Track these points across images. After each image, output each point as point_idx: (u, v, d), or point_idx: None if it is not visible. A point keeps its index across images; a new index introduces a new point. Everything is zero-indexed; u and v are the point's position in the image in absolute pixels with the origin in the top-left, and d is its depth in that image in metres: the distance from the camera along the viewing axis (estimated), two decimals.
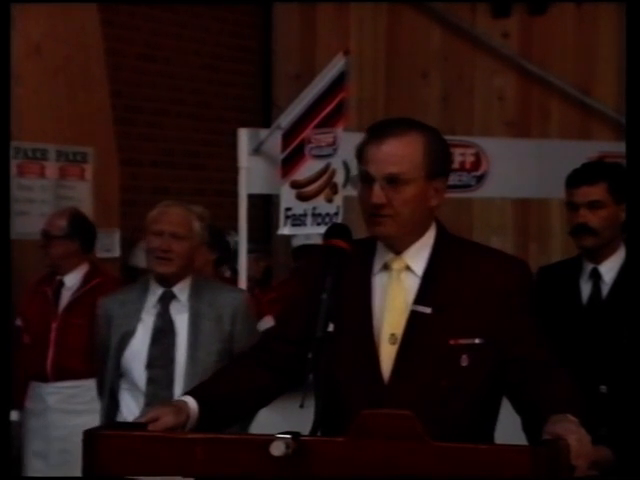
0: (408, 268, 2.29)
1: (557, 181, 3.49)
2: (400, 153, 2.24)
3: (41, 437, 4.53)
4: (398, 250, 2.31)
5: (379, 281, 2.30)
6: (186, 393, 2.32)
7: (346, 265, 2.25)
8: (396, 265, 2.30)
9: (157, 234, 3.47)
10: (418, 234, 2.30)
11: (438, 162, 2.28)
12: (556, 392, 2.16)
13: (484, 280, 2.26)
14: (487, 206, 6.69)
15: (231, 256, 5.44)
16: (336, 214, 4.60)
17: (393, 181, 2.23)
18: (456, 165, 5.01)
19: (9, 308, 2.87)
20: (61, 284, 4.62)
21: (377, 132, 2.27)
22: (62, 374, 4.49)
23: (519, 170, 5.09)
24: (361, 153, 2.29)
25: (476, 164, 5.08)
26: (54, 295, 4.60)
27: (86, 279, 4.61)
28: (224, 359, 3.39)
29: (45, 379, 4.52)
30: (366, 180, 2.26)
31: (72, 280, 4.61)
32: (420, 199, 2.26)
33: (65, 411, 4.49)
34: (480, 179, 5.09)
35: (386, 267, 2.31)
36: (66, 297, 4.58)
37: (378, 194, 2.23)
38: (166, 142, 6.75)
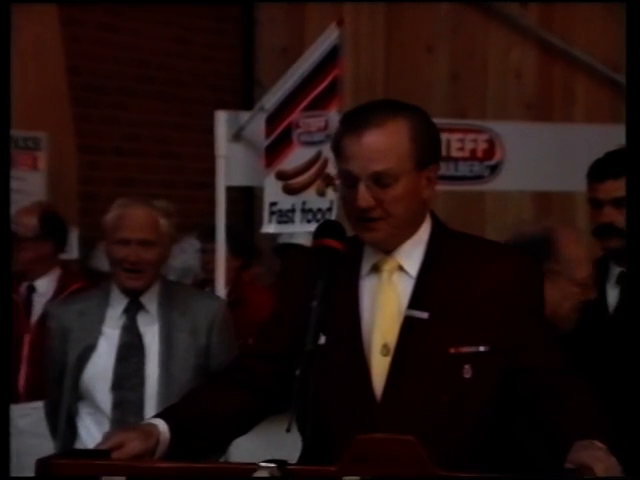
0: (400, 268, 2.31)
1: (583, 172, 3.51)
2: (384, 147, 2.24)
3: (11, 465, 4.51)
4: (388, 249, 2.32)
5: (368, 285, 2.32)
6: (155, 415, 2.33)
7: (339, 268, 2.27)
8: (387, 266, 2.32)
9: (122, 243, 3.47)
10: (410, 230, 2.32)
11: (427, 148, 2.29)
12: (577, 410, 2.18)
13: (488, 278, 2.28)
14: (502, 201, 6.71)
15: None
16: (329, 210, 4.61)
17: (380, 179, 2.24)
18: (467, 153, 5.03)
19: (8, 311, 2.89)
20: (32, 290, 4.62)
21: (354, 122, 2.26)
22: (36, 393, 4.48)
23: (539, 159, 5.11)
24: (338, 148, 2.29)
25: (490, 152, 5.10)
26: (25, 304, 4.60)
27: (61, 284, 4.61)
28: (200, 376, 3.41)
29: (15, 399, 4.49)
30: (348, 181, 2.26)
31: (45, 286, 4.62)
32: (412, 194, 2.27)
33: (38, 435, 4.47)
34: (494, 169, 5.11)
35: (375, 269, 2.33)
36: (39, 305, 4.59)
37: (364, 196, 2.24)
38: (132, 126, 6.75)
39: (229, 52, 7.30)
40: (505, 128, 5.23)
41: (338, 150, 2.29)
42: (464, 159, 5.01)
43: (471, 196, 6.22)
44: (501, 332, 2.26)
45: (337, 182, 2.31)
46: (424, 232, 2.34)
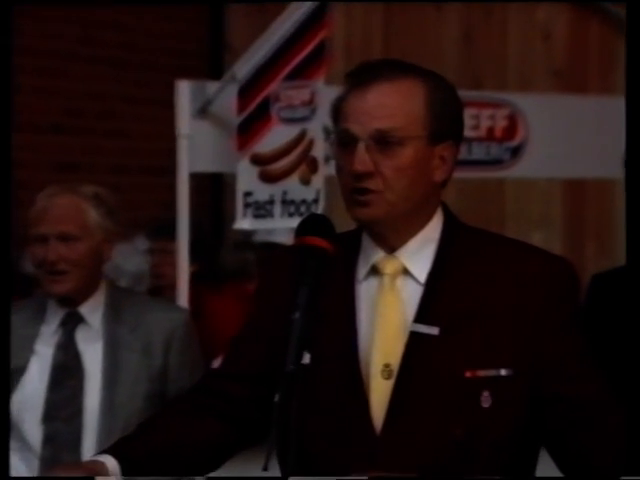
0: (406, 272, 2.32)
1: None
2: (391, 102, 2.26)
3: None
4: (391, 247, 2.33)
5: (365, 291, 2.33)
6: (103, 451, 2.33)
7: (326, 272, 2.28)
8: (389, 268, 2.32)
9: (40, 240, 3.47)
10: (418, 223, 2.33)
11: (445, 118, 2.30)
12: (616, 447, 2.20)
13: (512, 287, 2.29)
14: (526, 190, 6.74)
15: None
16: (315, 201, 4.63)
17: (383, 141, 2.26)
18: (482, 133, 5.04)
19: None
20: None
21: (359, 78, 2.29)
22: None
23: (571, 139, 5.13)
24: (338, 109, 2.31)
25: (511, 131, 5.12)
26: None
27: None
28: (154, 405, 3.41)
29: None
30: (345, 142, 2.28)
31: None
32: (420, 169, 2.28)
33: None
34: (516, 152, 5.13)
35: (375, 271, 2.34)
36: None
37: (362, 159, 2.25)
38: (74, 99, 6.75)
39: (193, 9, 7.30)
40: (529, 101, 5.25)
41: (338, 110, 2.31)
42: (479, 139, 5.03)
43: (488, 184, 6.24)
44: (527, 352, 2.27)
45: (332, 144, 2.31)
46: (434, 228, 2.34)
